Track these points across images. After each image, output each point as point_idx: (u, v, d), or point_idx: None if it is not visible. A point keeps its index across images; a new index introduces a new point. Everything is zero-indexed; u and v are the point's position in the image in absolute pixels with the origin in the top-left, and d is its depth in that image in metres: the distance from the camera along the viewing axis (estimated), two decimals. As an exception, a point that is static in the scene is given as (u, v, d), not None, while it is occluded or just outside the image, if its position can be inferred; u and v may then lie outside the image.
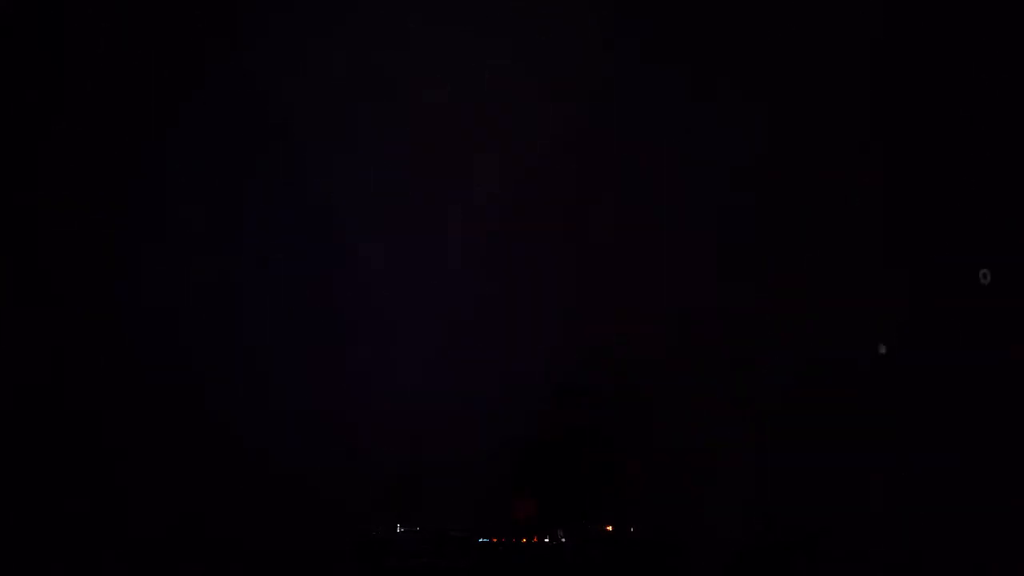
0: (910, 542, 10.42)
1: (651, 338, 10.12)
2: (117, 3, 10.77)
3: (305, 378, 10.59)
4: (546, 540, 9.12)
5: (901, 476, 10.43)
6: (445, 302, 10.53)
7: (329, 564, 10.60)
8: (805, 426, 10.39)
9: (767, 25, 10.40)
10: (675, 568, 9.24)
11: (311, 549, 10.87)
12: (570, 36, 10.33)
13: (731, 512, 10.20)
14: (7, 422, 10.33)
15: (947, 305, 10.29)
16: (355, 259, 10.58)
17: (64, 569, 10.47)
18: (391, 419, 10.83)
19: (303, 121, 10.67)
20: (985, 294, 10.39)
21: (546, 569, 9.00)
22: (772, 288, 10.21)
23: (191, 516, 10.27)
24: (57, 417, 10.31)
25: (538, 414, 9.24)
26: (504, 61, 10.39)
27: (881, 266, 10.08)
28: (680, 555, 9.25)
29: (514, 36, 10.31)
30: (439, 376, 10.95)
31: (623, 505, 8.98)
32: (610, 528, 9.45)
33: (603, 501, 8.85)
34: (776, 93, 10.05)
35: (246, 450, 10.71)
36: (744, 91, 9.85)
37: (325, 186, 10.56)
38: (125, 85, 10.66)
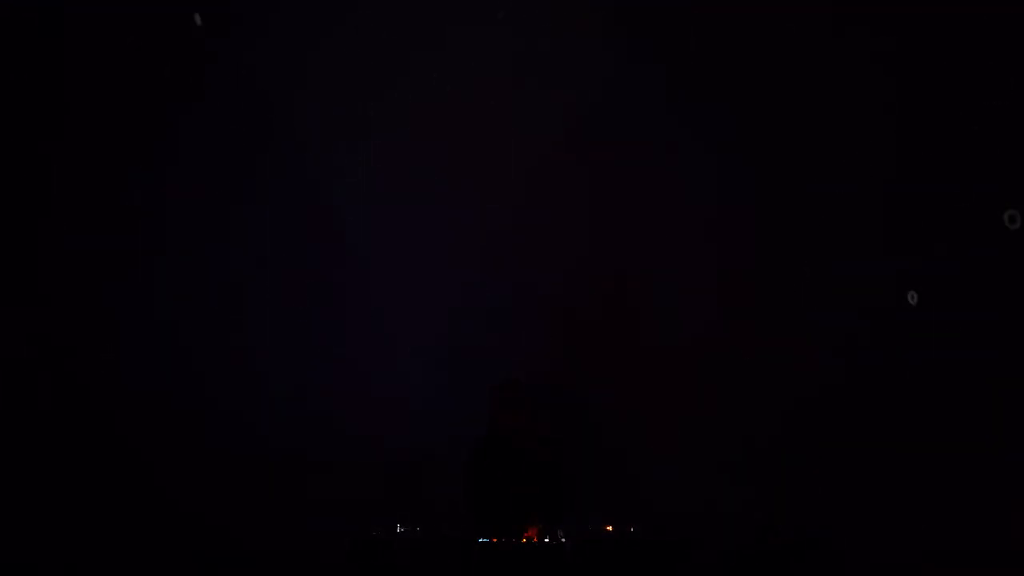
0: (910, 542, 10.51)
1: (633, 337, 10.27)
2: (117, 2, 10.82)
3: (304, 377, 10.69)
4: (546, 540, 9.18)
5: (901, 476, 10.52)
6: (447, 301, 10.61)
7: (329, 564, 10.68)
8: (802, 425, 10.51)
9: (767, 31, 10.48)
10: (676, 568, 9.27)
11: (311, 549, 10.96)
12: (574, 33, 10.41)
13: (731, 512, 10.27)
14: (5, 422, 10.42)
15: (949, 302, 10.42)
16: (355, 258, 10.65)
17: (61, 568, 10.62)
18: (392, 418, 10.96)
19: (303, 118, 10.75)
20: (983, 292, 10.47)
21: (546, 569, 9.06)
22: (763, 282, 10.33)
23: (190, 516, 10.35)
24: (55, 416, 10.37)
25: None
26: (509, 58, 10.47)
27: (881, 262, 10.13)
28: (681, 555, 9.28)
29: (518, 32, 10.37)
30: (439, 375, 11.05)
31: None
32: (610, 528, 9.54)
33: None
34: (778, 96, 10.16)
35: (244, 450, 10.78)
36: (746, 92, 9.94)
37: (326, 184, 10.63)
38: (124, 83, 10.71)
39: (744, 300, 10.22)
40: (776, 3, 9.73)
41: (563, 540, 8.77)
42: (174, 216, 10.28)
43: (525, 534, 8.99)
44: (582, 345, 10.12)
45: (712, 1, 10.26)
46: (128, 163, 10.59)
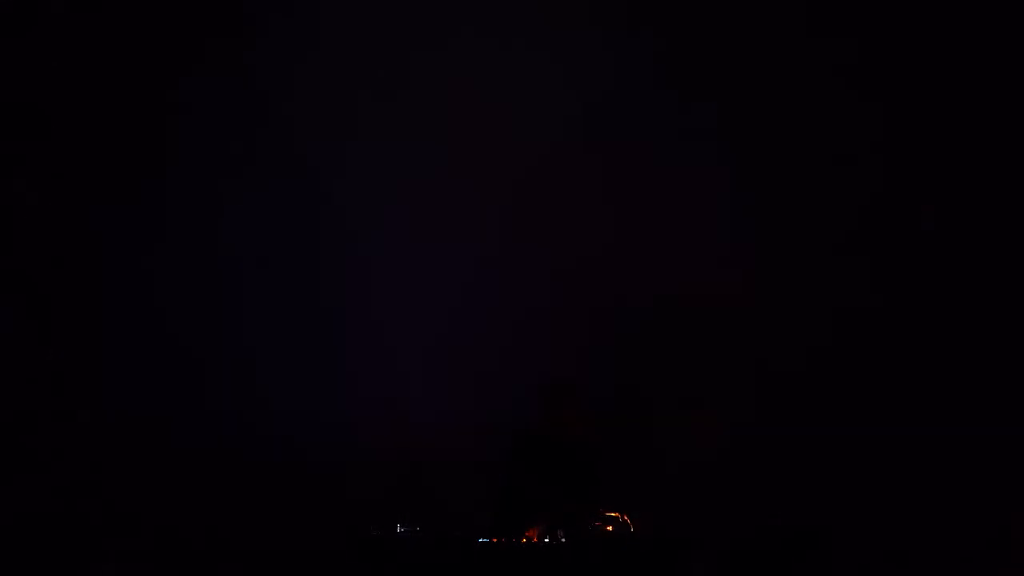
0: (909, 541, 11.06)
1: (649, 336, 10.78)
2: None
3: (304, 378, 11.21)
4: (546, 540, 9.64)
5: (902, 471, 11.18)
6: (446, 301, 11.15)
7: (329, 564, 11.18)
8: (805, 423, 11.12)
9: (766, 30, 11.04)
10: (676, 567, 9.74)
11: (311, 549, 11.51)
12: (575, 32, 10.95)
13: (731, 512, 10.77)
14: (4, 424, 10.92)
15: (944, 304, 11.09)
16: (355, 260, 11.17)
17: (62, 570, 11.31)
18: (392, 418, 11.59)
19: (304, 118, 11.25)
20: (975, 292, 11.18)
21: (546, 569, 9.55)
22: (772, 284, 10.95)
23: (189, 517, 10.95)
24: (51, 418, 10.78)
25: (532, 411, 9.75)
26: (511, 60, 11.03)
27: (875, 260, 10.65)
28: (681, 555, 9.80)
29: (521, 34, 10.92)
30: (439, 375, 11.56)
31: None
32: (610, 528, 10.08)
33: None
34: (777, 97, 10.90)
35: (244, 450, 11.27)
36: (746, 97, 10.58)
37: (326, 185, 11.09)
38: (121, 79, 11.14)
39: (748, 297, 10.87)
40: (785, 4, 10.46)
41: (563, 540, 9.00)
42: (173, 213, 10.60)
43: (526, 533, 9.24)
44: (586, 346, 10.95)
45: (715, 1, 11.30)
46: (126, 161, 10.91)
